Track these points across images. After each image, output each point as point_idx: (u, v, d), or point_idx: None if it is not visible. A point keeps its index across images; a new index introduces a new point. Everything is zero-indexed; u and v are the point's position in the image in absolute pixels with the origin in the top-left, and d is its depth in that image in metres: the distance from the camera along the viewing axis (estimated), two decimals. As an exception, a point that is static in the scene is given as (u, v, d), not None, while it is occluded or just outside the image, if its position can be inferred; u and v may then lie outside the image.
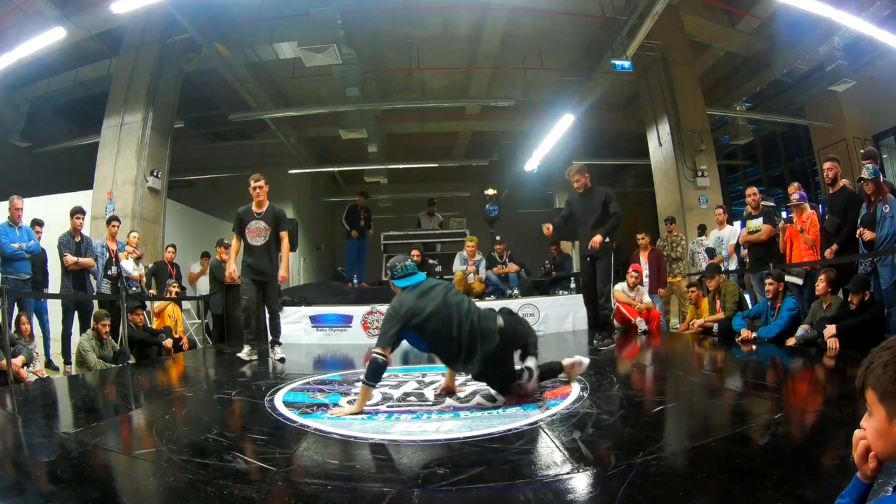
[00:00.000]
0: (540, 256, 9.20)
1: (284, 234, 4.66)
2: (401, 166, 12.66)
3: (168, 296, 6.18)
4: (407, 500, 1.49)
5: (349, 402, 2.64)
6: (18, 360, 3.83)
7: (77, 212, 5.40)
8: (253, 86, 9.45)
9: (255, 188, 4.53)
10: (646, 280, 6.39)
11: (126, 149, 7.33)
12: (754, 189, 5.79)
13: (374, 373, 2.45)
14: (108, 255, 5.63)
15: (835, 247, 4.46)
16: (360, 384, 2.56)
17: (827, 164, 4.65)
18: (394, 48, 8.90)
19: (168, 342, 5.34)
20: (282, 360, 4.51)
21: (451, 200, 13.74)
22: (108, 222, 5.91)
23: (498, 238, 7.30)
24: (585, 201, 4.71)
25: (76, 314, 5.34)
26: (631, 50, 7.17)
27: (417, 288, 2.62)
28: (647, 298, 5.98)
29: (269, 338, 4.80)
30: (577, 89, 9.08)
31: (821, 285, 4.21)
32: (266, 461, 1.79)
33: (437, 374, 3.43)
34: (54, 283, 5.59)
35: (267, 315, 5.01)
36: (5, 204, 5.18)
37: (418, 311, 2.50)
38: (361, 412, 2.45)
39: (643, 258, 6.59)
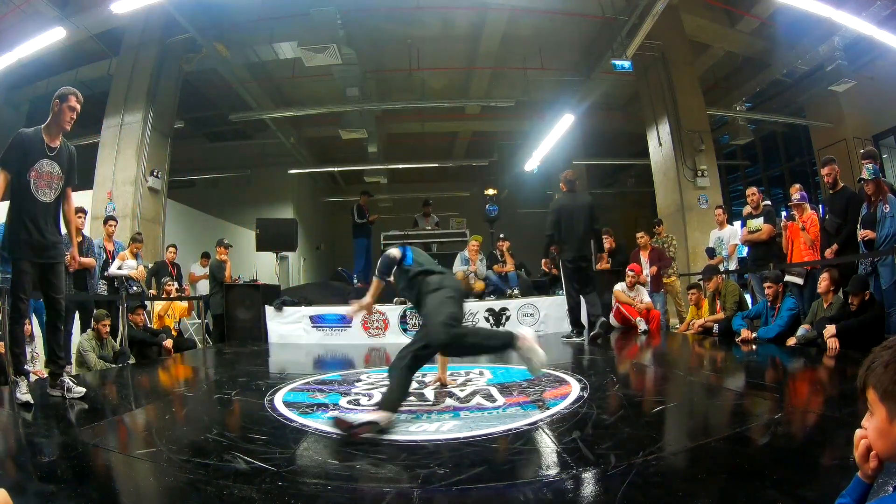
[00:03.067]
0: (540, 256, 9.18)
1: (70, 191, 3.08)
2: (401, 166, 12.67)
3: (165, 295, 6.18)
4: (407, 500, 1.49)
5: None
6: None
7: (78, 211, 5.35)
8: (253, 86, 9.46)
9: (72, 108, 2.88)
10: (648, 279, 6.38)
11: (126, 149, 7.34)
12: (754, 189, 5.79)
13: (387, 267, 2.78)
14: (104, 256, 5.62)
15: (835, 247, 4.46)
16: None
17: (825, 170, 4.66)
18: (394, 48, 8.90)
19: (168, 342, 5.34)
20: (77, 395, 2.85)
21: (451, 200, 13.74)
22: (105, 222, 5.89)
23: (502, 236, 7.30)
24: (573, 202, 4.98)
25: (77, 314, 5.33)
26: (631, 50, 7.17)
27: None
28: (646, 298, 5.97)
29: (50, 364, 2.96)
30: (577, 89, 9.07)
31: (823, 284, 4.19)
32: (266, 461, 1.79)
33: (436, 374, 3.43)
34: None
35: (45, 321, 3.16)
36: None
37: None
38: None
39: (643, 257, 6.58)
